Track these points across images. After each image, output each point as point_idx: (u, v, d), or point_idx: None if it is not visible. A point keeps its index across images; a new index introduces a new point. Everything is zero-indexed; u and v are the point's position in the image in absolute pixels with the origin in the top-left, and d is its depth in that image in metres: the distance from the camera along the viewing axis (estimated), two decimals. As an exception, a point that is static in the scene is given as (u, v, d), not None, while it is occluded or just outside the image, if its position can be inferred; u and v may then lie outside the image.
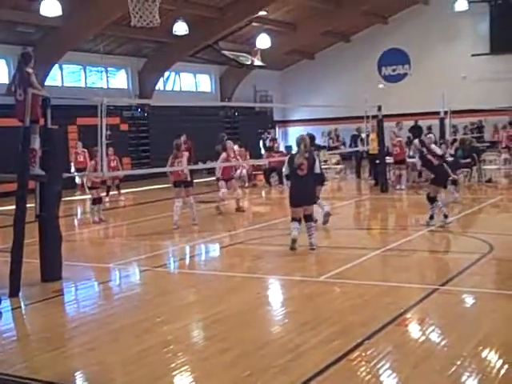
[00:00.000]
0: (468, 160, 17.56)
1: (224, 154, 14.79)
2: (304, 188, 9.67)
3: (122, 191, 18.74)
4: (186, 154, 13.11)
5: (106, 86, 25.53)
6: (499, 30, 28.52)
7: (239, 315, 6.67)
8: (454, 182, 14.22)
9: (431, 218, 11.30)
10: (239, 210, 14.64)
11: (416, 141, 12.54)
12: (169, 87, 28.63)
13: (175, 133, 17.20)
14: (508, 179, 19.21)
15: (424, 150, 11.69)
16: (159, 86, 27.31)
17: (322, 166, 20.36)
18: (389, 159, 17.68)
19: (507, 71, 27.90)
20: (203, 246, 11.09)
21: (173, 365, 5.28)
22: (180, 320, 6.57)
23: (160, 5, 12.28)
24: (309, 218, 9.68)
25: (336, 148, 25.45)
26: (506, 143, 21.17)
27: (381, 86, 25.84)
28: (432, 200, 11.31)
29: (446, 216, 11.25)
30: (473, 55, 28.74)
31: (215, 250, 10.89)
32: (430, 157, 11.56)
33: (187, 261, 10.20)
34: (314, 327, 6.02)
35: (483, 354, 5.18)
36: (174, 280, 8.86)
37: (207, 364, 5.31)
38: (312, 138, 11.94)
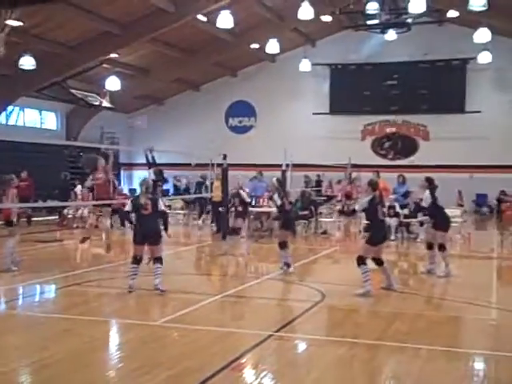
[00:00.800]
0: (306, 212, 18.38)
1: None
2: (148, 226, 9.78)
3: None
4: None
5: None
6: (338, 93, 30.50)
7: (71, 359, 6.44)
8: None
9: (287, 265, 11.68)
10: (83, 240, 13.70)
11: (274, 179, 12.44)
12: (12, 122, 27.49)
13: (16, 169, 16.55)
14: (341, 232, 20.24)
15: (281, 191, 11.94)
16: (1, 119, 26.15)
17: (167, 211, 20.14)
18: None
19: (344, 131, 29.76)
20: (38, 286, 10.61)
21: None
22: (5, 365, 6.20)
23: (6, 36, 11.86)
24: (157, 260, 9.75)
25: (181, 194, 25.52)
26: (341, 197, 22.32)
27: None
28: (283, 246, 11.66)
29: (288, 265, 11.66)
30: (314, 113, 30.39)
31: (50, 291, 10.47)
32: (284, 200, 11.83)
33: (19, 302, 9.70)
34: (149, 372, 5.96)
35: (311, 398, 5.38)
36: (2, 322, 8.38)
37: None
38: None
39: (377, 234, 9.93)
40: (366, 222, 10.43)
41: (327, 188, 25.18)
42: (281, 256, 11.82)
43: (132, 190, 29.46)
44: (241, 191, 14.94)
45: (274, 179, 12.38)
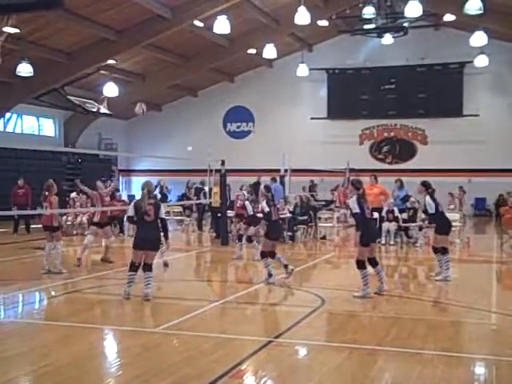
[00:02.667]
0: (305, 217, 18.38)
1: (97, 195, 13.93)
2: (150, 233, 9.69)
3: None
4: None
5: None
6: (335, 97, 30.56)
7: (71, 367, 6.42)
8: (292, 239, 14.80)
9: (269, 275, 11.19)
10: (105, 260, 13.56)
11: (262, 186, 12.33)
12: (9, 129, 27.49)
13: (14, 176, 16.54)
14: (339, 237, 20.23)
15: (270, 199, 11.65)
16: (-1, 126, 26.21)
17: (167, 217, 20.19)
18: (230, 213, 18.03)
19: (342, 136, 29.81)
20: (36, 293, 10.59)
21: (-5, 421, 4.97)
22: (6, 373, 6.18)
23: (3, 44, 11.86)
24: (147, 267, 9.62)
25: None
26: (339, 203, 22.32)
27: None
28: (264, 255, 11.19)
29: (270, 275, 11.17)
30: (312, 118, 30.43)
31: (49, 298, 10.45)
32: (272, 209, 11.53)
33: (18, 309, 9.68)
34: (148, 379, 5.94)
35: (311, 404, 5.37)
36: (2, 329, 8.35)
37: (33, 419, 5.05)
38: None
39: (367, 233, 9.83)
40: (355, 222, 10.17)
41: (332, 192, 24.87)
42: (265, 265, 11.23)
43: (131, 197, 29.44)
44: (246, 203, 14.75)
45: (262, 186, 12.27)
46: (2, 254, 13.88)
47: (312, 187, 25.71)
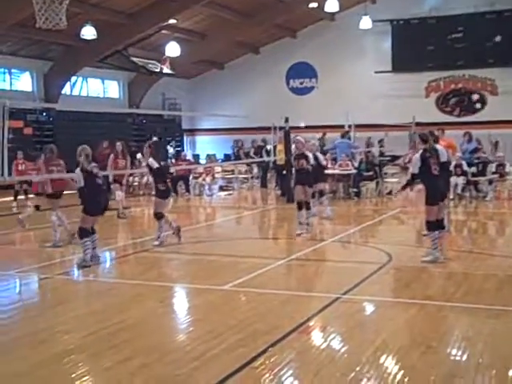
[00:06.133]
0: (370, 173, 18.15)
1: (112, 156, 14.52)
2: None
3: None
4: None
5: (9, 88, 24.71)
6: (400, 50, 29.74)
7: (143, 324, 6.60)
8: (321, 193, 14.37)
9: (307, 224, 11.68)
10: (120, 216, 14.23)
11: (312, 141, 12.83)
12: (76, 92, 28.02)
13: (82, 138, 16.72)
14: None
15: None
16: (66, 90, 26.69)
17: (230, 176, 20.36)
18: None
19: (407, 89, 29.09)
20: (107, 253, 10.88)
21: (73, 375, 5.16)
22: (81, 329, 6.41)
23: (67, 7, 12.00)
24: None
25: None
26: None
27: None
28: (302, 206, 11.68)
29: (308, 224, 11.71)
30: (376, 72, 29.78)
31: (119, 257, 10.72)
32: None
33: (90, 268, 9.98)
34: (219, 335, 6.05)
35: (381, 360, 5.36)
36: (76, 288, 8.65)
37: (110, 373, 5.22)
38: None
39: (433, 192, 9.15)
40: (419, 180, 9.39)
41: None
42: (300, 216, 11.64)
43: (195, 156, 29.73)
44: (318, 154, 14.48)
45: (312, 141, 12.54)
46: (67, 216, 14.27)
47: (380, 142, 25.26)
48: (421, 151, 9.09)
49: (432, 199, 9.12)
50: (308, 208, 11.78)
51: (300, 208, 11.72)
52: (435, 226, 9.09)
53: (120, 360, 5.46)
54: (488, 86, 29.12)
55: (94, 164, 9.41)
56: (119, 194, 14.25)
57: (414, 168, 9.22)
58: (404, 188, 9.99)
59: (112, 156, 14.85)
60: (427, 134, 9.29)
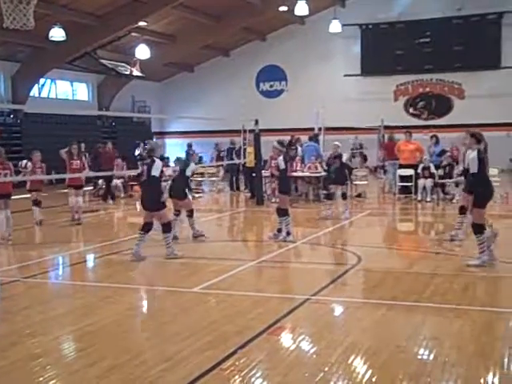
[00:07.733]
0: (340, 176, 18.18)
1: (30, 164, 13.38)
2: (144, 193, 9.97)
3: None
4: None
5: (-26, 90, 24.40)
6: (369, 53, 30.02)
7: (111, 326, 6.55)
8: (329, 197, 14.69)
9: (279, 231, 11.24)
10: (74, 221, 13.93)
11: (275, 142, 11.84)
12: (44, 94, 27.72)
13: (51, 141, 16.58)
14: (375, 194, 20.08)
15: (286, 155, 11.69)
16: (34, 92, 26.39)
17: (200, 179, 20.29)
18: (265, 172, 18.00)
19: (376, 92, 29.37)
20: (76, 256, 10.79)
21: (40, 378, 5.11)
22: (50, 332, 6.35)
23: (36, 9, 11.87)
24: (164, 227, 9.74)
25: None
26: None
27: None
28: (284, 213, 11.16)
29: (288, 233, 11.17)
30: (345, 75, 29.98)
31: (88, 260, 10.63)
32: (287, 165, 11.58)
33: (59, 271, 9.89)
34: (188, 337, 6.03)
35: (350, 360, 5.40)
36: (44, 291, 8.54)
37: (77, 377, 5.18)
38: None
39: (488, 193, 8.82)
40: (473, 179, 8.94)
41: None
42: (280, 222, 11.22)
43: (165, 159, 29.53)
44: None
45: (275, 142, 11.72)
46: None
47: (360, 145, 25.65)
48: (476, 151, 8.71)
49: (486, 200, 8.86)
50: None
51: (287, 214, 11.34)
52: (482, 227, 8.80)
53: (88, 363, 5.42)
54: (455, 90, 29.53)
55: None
56: (78, 201, 13.86)
57: (473, 167, 8.80)
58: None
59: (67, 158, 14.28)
60: (481, 134, 8.89)
